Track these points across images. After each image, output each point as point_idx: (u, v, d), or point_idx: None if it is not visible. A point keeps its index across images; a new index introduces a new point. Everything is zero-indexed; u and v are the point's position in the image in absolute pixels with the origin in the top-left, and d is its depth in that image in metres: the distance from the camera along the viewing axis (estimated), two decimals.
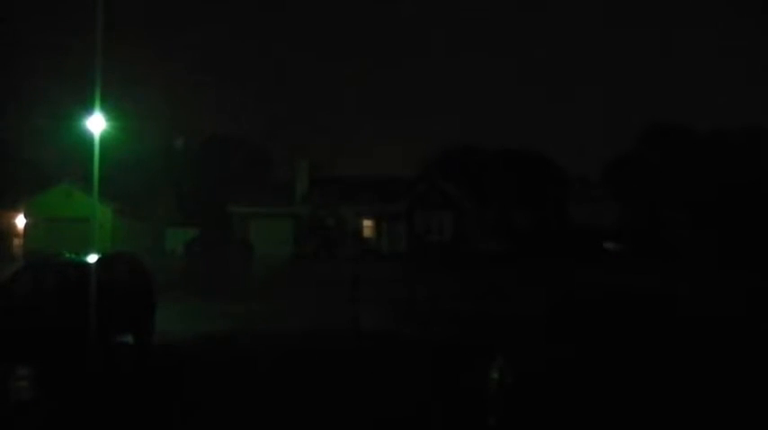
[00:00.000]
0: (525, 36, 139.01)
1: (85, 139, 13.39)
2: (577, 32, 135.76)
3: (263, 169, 58.28)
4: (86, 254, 12.82)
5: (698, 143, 50.86)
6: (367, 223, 44.46)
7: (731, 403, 9.51)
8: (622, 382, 10.59)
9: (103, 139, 12.74)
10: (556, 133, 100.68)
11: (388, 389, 10.13)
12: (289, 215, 44.33)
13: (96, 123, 12.54)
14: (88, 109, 12.57)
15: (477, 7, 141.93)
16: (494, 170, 52.12)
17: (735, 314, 17.48)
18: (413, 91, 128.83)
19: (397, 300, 20.35)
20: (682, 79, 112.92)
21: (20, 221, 45.20)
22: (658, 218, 47.38)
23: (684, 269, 30.50)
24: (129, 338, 13.00)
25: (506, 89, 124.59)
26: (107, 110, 12.73)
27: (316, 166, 49.19)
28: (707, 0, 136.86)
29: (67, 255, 13.40)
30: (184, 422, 8.79)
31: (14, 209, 45.54)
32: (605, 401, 9.57)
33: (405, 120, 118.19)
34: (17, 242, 44.33)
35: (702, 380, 10.79)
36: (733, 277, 27.01)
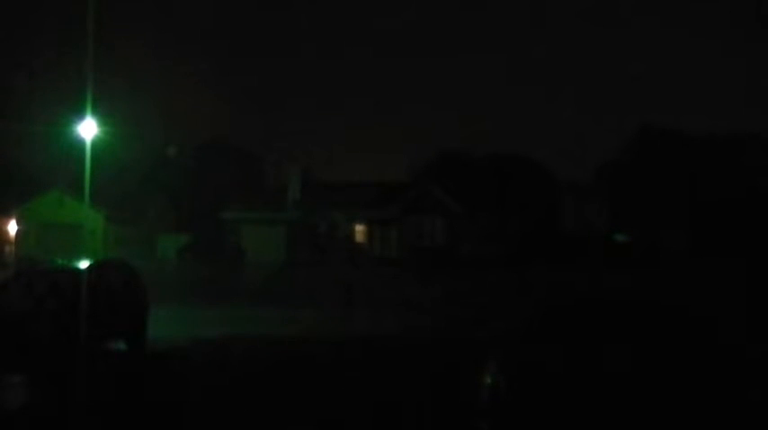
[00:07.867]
0: (515, 39, 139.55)
1: (77, 145, 13.42)
2: (569, 35, 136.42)
3: (256, 175, 58.24)
4: (78, 260, 12.82)
5: (690, 147, 51.08)
6: (359, 228, 44.49)
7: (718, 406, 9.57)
8: (616, 388, 10.62)
9: (95, 145, 12.77)
10: (546, 137, 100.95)
11: (379, 393, 10.16)
12: (281, 221, 44.29)
13: (88, 129, 12.57)
14: (80, 114, 12.62)
15: (468, 8, 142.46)
16: (485, 175, 52.22)
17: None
18: (405, 95, 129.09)
19: (389, 304, 20.36)
20: (672, 83, 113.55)
21: (12, 228, 45.03)
22: (651, 222, 47.53)
23: (677, 274, 30.62)
24: (122, 345, 12.98)
25: (496, 93, 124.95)
26: (99, 115, 12.77)
27: (308, 172, 49.21)
28: (699, 4, 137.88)
29: (59, 262, 13.39)
30: (177, 426, 8.80)
31: (6, 215, 45.39)
32: (598, 407, 9.60)
33: (396, 125, 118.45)
34: (9, 249, 44.17)
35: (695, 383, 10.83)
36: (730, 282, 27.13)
